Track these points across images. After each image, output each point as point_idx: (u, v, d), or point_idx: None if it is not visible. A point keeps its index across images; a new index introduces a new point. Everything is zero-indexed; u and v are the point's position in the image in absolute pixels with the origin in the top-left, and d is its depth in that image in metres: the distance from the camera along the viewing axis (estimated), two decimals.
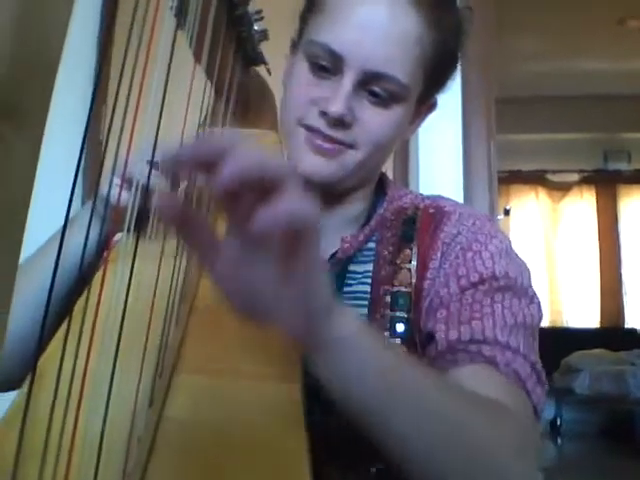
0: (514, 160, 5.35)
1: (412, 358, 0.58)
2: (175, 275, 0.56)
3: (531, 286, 0.73)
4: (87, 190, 1.40)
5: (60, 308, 0.51)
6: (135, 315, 0.49)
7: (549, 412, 4.75)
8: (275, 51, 0.89)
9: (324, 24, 0.71)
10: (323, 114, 0.70)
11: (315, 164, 0.72)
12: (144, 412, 0.47)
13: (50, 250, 0.69)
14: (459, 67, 0.78)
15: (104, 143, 0.48)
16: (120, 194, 0.60)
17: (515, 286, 0.70)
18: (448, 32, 0.72)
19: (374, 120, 0.71)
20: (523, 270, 0.73)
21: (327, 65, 0.70)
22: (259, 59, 0.91)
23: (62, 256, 0.38)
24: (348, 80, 0.68)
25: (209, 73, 0.77)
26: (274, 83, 0.92)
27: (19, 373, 0.55)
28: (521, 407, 0.62)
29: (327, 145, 0.71)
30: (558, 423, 4.91)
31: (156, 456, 0.45)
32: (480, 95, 2.22)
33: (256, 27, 0.80)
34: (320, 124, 0.70)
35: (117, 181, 0.60)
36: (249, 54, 0.87)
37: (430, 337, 0.68)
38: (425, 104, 0.78)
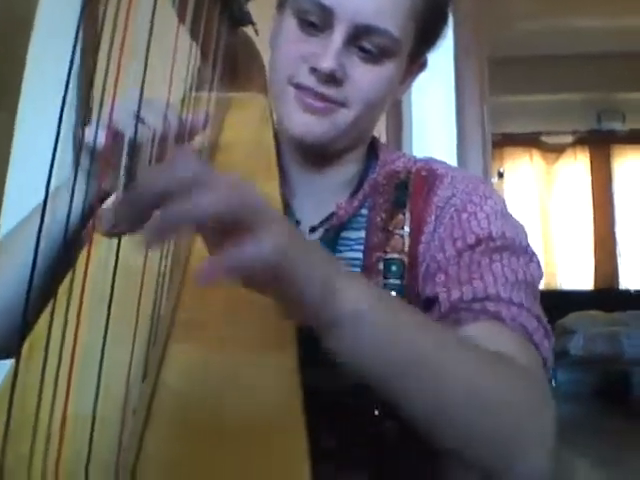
0: (507, 122, 5.31)
1: (423, 316, 0.57)
2: (165, 244, 0.54)
3: (529, 245, 0.72)
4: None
5: (46, 280, 0.50)
6: (125, 285, 0.48)
7: None
8: (262, 11, 0.86)
9: None
10: (313, 70, 0.68)
11: (306, 123, 0.70)
12: (138, 383, 0.45)
13: (35, 218, 0.68)
14: (449, 26, 0.76)
15: (87, 103, 0.47)
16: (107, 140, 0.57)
17: (513, 245, 0.69)
18: None
19: (365, 77, 0.69)
20: (520, 230, 0.73)
21: (316, 21, 0.68)
22: (246, 19, 0.88)
23: (47, 224, 0.37)
24: (338, 35, 0.66)
25: (194, 34, 0.74)
26: (262, 44, 0.89)
27: (10, 344, 0.54)
28: (532, 360, 0.62)
29: (318, 103, 0.69)
30: (553, 384, 4.96)
31: (152, 427, 0.44)
32: (472, 56, 2.20)
33: None
34: (310, 81, 0.68)
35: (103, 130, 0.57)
36: (235, 14, 0.85)
37: (431, 302, 0.67)
38: (416, 62, 0.76)
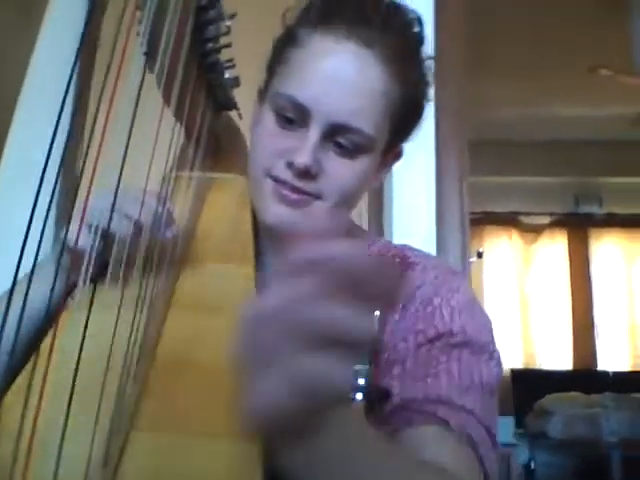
0: (487, 202, 5.41)
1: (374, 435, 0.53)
2: (134, 327, 0.54)
3: (492, 342, 0.72)
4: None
5: (10, 371, 0.49)
6: (90, 368, 0.47)
7: (523, 456, 4.72)
8: (246, 95, 0.89)
9: (290, 76, 0.71)
10: (289, 165, 0.70)
11: (281, 214, 0.72)
12: (99, 471, 0.45)
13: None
14: (428, 113, 0.79)
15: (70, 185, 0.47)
16: (78, 237, 0.58)
17: (472, 342, 0.69)
18: (413, 85, 0.73)
19: (340, 171, 0.71)
20: (484, 325, 0.73)
21: (293, 117, 0.71)
22: (230, 104, 0.92)
23: (11, 315, 0.37)
24: (314, 132, 0.69)
25: (178, 116, 0.77)
26: (245, 127, 0.92)
27: None
28: (471, 473, 0.61)
29: (294, 196, 0.71)
30: (532, 467, 4.87)
31: None
32: (453, 138, 2.25)
33: (227, 75, 0.81)
34: (287, 175, 0.71)
35: (76, 225, 0.58)
36: (220, 100, 0.88)
37: (385, 393, 0.67)
38: (391, 153, 0.79)
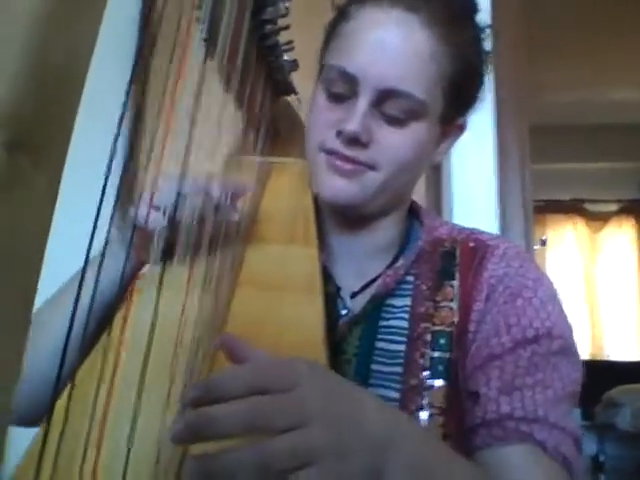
0: (551, 189, 5.27)
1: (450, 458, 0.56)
2: (202, 306, 0.55)
3: (575, 339, 0.71)
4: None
5: (84, 348, 0.50)
6: (160, 346, 0.48)
7: (591, 448, 4.59)
8: (306, 81, 0.89)
9: (339, 49, 0.72)
10: (339, 134, 0.70)
11: (335, 186, 0.71)
12: (170, 448, 0.45)
13: (71, 289, 0.69)
14: (488, 89, 0.77)
15: (131, 172, 0.48)
16: (148, 217, 0.59)
17: (568, 347, 0.69)
18: (465, 48, 0.71)
19: (391, 139, 0.70)
20: (569, 324, 0.72)
21: (342, 90, 0.70)
22: (289, 89, 0.91)
23: (84, 295, 0.38)
24: (363, 100, 0.68)
25: (239, 101, 0.77)
26: (304, 113, 0.92)
27: (39, 413, 0.54)
28: None
29: (347, 166, 0.70)
30: (601, 459, 4.74)
31: None
32: (514, 124, 2.20)
33: (286, 57, 0.81)
34: (337, 145, 0.70)
35: (145, 205, 0.59)
36: (279, 84, 0.87)
37: (478, 396, 0.66)
38: (451, 124, 0.76)
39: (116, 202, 0.45)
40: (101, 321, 0.57)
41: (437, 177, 2.11)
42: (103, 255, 0.51)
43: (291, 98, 0.96)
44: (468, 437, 0.66)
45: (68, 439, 0.40)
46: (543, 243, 4.06)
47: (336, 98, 0.71)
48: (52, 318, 0.63)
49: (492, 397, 0.65)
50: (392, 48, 0.68)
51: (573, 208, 5.76)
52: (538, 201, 4.74)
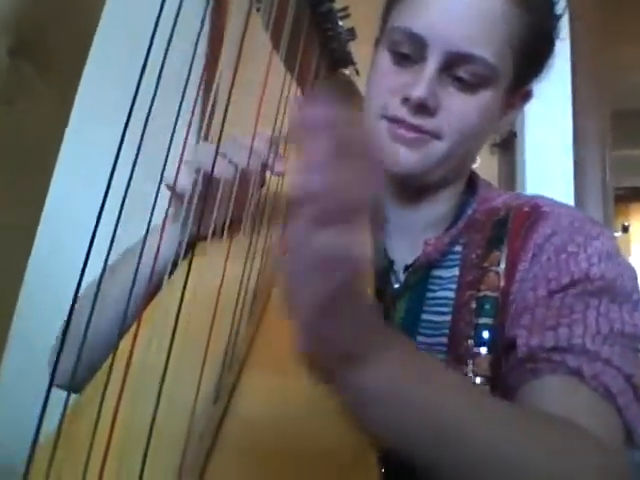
0: (635, 177, 5.03)
1: (462, 385, 0.50)
2: (247, 272, 0.53)
3: (636, 290, 0.64)
4: None
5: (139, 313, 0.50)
6: (204, 312, 0.47)
7: None
8: (363, 51, 0.86)
9: (405, 10, 0.68)
10: (405, 100, 0.66)
11: (397, 154, 0.67)
12: (208, 408, 0.44)
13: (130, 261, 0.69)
14: (563, 71, 0.73)
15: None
16: (177, 177, 0.58)
17: (614, 289, 0.62)
18: (537, 11, 0.67)
19: (460, 107, 0.66)
20: (627, 272, 0.65)
21: (409, 51, 0.66)
22: (347, 60, 0.89)
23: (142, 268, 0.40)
24: (431, 63, 0.64)
25: (289, 65, 0.75)
26: (362, 84, 0.89)
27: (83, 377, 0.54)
28: (608, 427, 0.55)
29: (411, 134, 0.66)
30: None
31: (218, 454, 0.42)
32: (592, 108, 2.10)
33: (341, 24, 0.78)
34: (402, 113, 0.66)
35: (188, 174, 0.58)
36: (336, 54, 0.85)
37: (512, 344, 0.62)
38: (518, 92, 0.72)
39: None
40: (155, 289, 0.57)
41: (511, 164, 2.04)
42: (163, 225, 0.51)
43: (349, 70, 0.94)
44: (505, 384, 0.61)
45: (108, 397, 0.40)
46: (625, 230, 3.85)
47: (401, 62, 0.68)
48: (111, 288, 0.63)
49: (523, 336, 0.60)
50: (462, 8, 0.64)
51: None
52: (619, 189, 4.53)
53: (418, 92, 0.64)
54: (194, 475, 0.40)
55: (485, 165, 2.23)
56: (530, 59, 0.69)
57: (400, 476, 0.55)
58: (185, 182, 0.58)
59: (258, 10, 0.62)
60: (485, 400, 0.50)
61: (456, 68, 0.65)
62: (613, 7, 2.46)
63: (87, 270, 0.36)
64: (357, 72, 0.91)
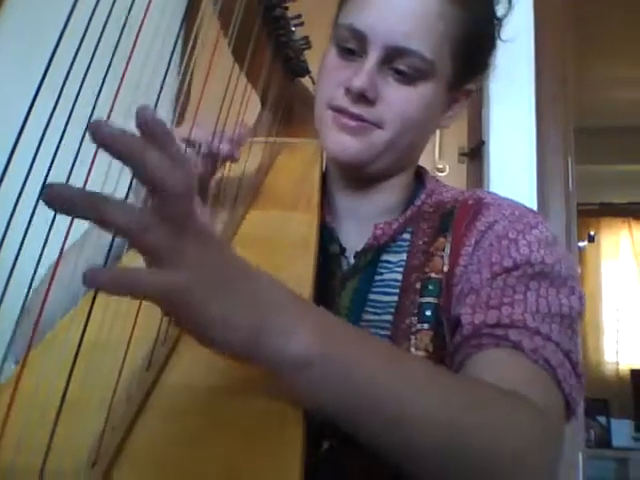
0: (604, 192, 5.13)
1: (392, 352, 0.55)
2: None
3: (573, 276, 0.69)
4: None
5: None
6: None
7: None
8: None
9: (350, 8, 0.73)
10: (347, 91, 0.71)
11: (340, 142, 0.73)
12: (139, 374, 0.48)
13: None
14: (495, 54, 0.78)
15: None
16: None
17: (552, 273, 0.67)
18: (474, 10, 0.72)
19: (398, 97, 0.71)
20: (564, 258, 0.70)
21: (353, 47, 0.72)
22: (302, 69, 0.93)
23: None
24: (372, 57, 0.70)
25: (242, 64, 0.79)
26: None
27: None
28: (548, 397, 0.59)
29: (352, 123, 0.72)
30: None
31: (145, 415, 0.45)
32: (556, 123, 2.15)
33: (294, 29, 0.82)
34: (345, 102, 0.72)
35: None
36: (292, 62, 0.90)
37: (457, 322, 0.66)
38: (460, 90, 0.77)
39: None
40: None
41: (479, 172, 2.09)
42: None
43: (306, 80, 0.98)
44: (452, 362, 0.65)
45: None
46: (591, 239, 3.90)
47: (346, 56, 0.73)
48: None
49: (468, 314, 0.65)
50: (401, 5, 0.69)
51: (629, 211, 5.56)
52: (591, 204, 4.63)
53: (358, 83, 0.69)
54: (119, 433, 0.43)
55: (454, 173, 2.29)
56: (469, 57, 0.74)
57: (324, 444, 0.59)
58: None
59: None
60: (404, 357, 0.55)
61: (395, 61, 0.70)
62: (583, 23, 2.52)
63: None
64: (313, 81, 0.96)
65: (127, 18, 0.49)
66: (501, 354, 0.61)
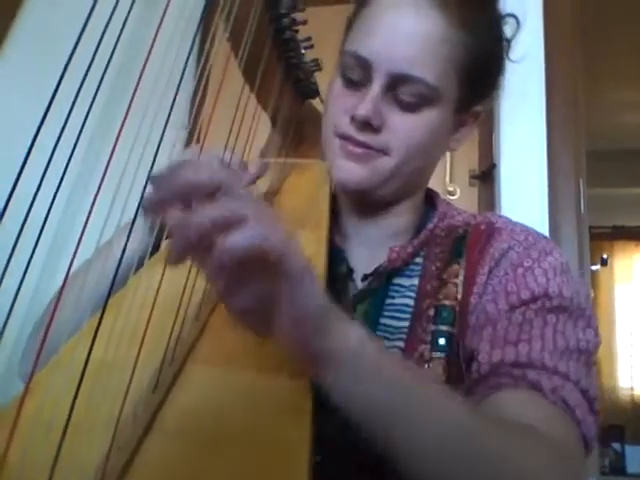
0: (618, 215, 5.10)
1: (422, 373, 0.58)
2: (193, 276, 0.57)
3: (588, 307, 0.69)
4: None
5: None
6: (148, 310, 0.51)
7: None
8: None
9: (354, 35, 0.74)
10: (352, 119, 0.71)
11: (347, 169, 0.73)
12: (146, 395, 0.47)
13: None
14: (503, 77, 0.77)
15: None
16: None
17: (570, 307, 0.67)
18: (480, 34, 0.71)
19: (404, 124, 0.71)
20: (579, 289, 0.69)
21: (358, 76, 0.72)
22: (313, 90, 0.94)
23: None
24: (376, 85, 0.70)
25: (259, 98, 0.80)
26: None
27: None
28: (567, 436, 0.58)
29: (358, 150, 0.72)
30: None
31: (152, 435, 0.45)
32: (567, 146, 2.15)
33: (304, 52, 0.83)
34: (350, 130, 0.72)
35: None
36: (302, 84, 0.90)
37: (473, 356, 0.66)
38: (467, 112, 0.77)
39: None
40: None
41: (490, 195, 2.09)
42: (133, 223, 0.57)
43: (317, 101, 0.99)
44: (466, 395, 0.64)
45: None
46: (604, 262, 3.87)
47: (352, 84, 0.73)
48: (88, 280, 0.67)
49: (485, 351, 0.64)
50: (404, 31, 0.69)
51: None
52: (604, 227, 4.61)
53: (362, 111, 0.69)
54: (125, 454, 0.43)
55: (465, 196, 2.29)
56: (476, 80, 0.73)
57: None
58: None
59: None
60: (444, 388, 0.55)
61: (400, 88, 0.70)
62: (595, 44, 2.52)
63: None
64: (322, 101, 0.96)
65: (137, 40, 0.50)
66: (520, 395, 0.60)
